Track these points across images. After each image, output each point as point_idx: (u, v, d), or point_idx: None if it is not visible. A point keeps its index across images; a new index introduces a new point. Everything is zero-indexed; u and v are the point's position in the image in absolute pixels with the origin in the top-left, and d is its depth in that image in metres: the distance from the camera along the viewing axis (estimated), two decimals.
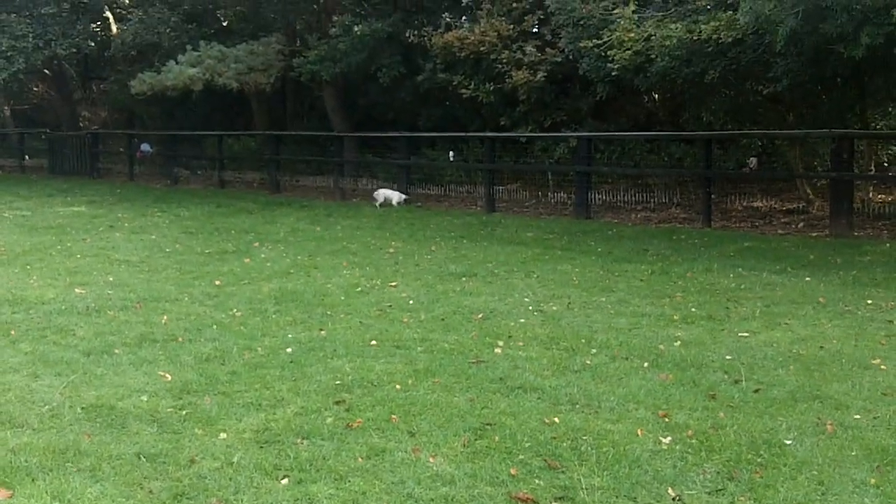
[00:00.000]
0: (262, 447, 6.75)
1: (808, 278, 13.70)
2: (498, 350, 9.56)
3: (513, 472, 6.29)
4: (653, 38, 19.65)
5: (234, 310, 11.62)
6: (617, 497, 5.98)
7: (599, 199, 23.35)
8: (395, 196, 25.05)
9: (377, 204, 24.80)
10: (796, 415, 7.42)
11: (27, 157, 42.88)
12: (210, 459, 6.51)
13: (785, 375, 8.54)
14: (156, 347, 9.71)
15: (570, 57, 23.44)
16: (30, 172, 40.91)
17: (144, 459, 6.52)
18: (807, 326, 10.65)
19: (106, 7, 38.30)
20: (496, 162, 25.08)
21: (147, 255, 16.32)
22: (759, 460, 6.48)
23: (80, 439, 6.89)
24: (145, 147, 37.57)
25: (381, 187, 25.76)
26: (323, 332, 10.39)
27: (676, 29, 19.12)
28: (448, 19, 26.50)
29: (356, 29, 28.19)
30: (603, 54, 21.21)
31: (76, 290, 12.90)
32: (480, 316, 11.27)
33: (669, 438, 6.88)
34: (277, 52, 31.69)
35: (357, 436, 6.95)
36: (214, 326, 10.68)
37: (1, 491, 6.06)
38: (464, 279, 13.95)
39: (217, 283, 13.58)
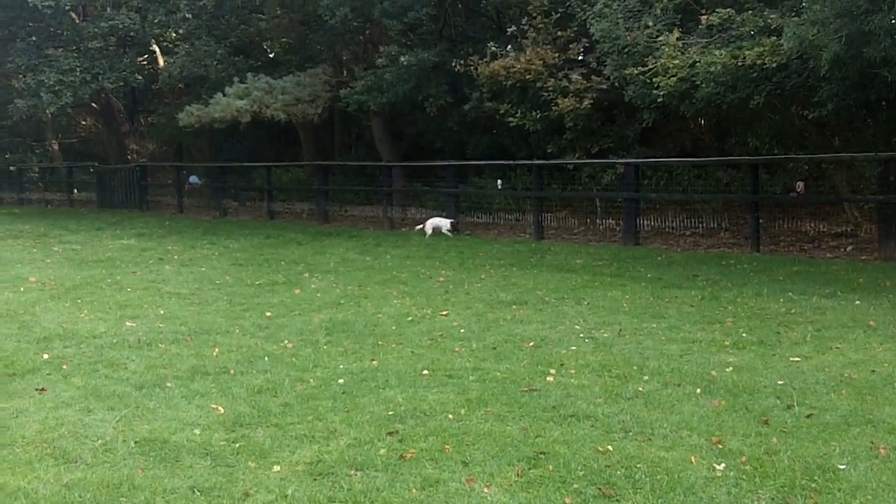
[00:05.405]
0: (315, 479, 6.77)
1: (858, 302, 13.64)
2: (550, 378, 9.55)
3: (567, 501, 6.28)
4: (697, 64, 19.61)
5: (286, 341, 11.66)
6: None
7: (648, 225, 23.38)
8: (444, 223, 25.06)
9: (427, 235, 24.79)
10: (849, 439, 7.39)
11: (76, 190, 43.30)
12: (264, 492, 6.54)
13: (837, 400, 8.50)
14: (207, 380, 9.75)
15: (616, 84, 23.42)
16: (79, 206, 41.29)
17: (198, 493, 6.56)
18: (858, 350, 10.60)
19: (153, 40, 38.60)
20: (544, 189, 25.11)
21: (197, 288, 16.41)
22: (813, 486, 6.46)
23: (134, 473, 6.93)
24: (193, 179, 37.76)
25: (429, 217, 25.72)
26: (374, 363, 10.41)
27: (721, 55, 19.08)
28: (494, 48, 26.48)
29: (402, 59, 28.25)
30: (648, 81, 21.19)
31: (127, 323, 13.00)
32: (532, 344, 11.27)
33: (723, 465, 6.86)
34: (324, 83, 31.83)
35: (411, 466, 6.96)
36: (266, 358, 10.72)
37: None
38: (514, 307, 13.95)
39: (268, 314, 13.63)
